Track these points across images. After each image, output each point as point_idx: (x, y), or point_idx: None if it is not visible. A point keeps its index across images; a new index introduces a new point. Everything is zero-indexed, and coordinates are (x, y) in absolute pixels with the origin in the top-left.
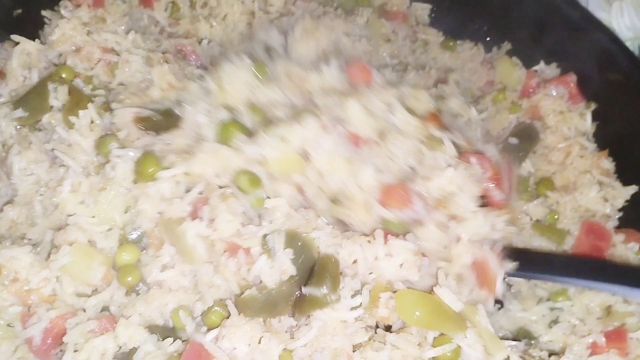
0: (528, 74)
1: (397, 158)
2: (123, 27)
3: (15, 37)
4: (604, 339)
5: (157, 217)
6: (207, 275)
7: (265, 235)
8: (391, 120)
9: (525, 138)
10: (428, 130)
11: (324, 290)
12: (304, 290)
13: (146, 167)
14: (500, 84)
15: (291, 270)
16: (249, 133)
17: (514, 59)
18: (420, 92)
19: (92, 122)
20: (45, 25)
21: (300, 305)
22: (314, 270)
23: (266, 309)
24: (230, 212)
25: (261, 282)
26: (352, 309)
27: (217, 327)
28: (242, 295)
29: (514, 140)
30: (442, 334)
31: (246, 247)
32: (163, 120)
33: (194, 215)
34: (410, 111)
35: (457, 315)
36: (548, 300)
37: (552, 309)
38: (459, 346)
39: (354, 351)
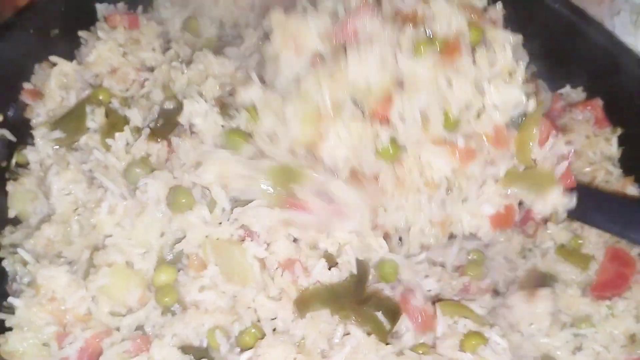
0: (554, 97)
1: None
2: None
3: (53, 58)
4: None
5: (201, 239)
6: (249, 295)
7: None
8: None
9: None
10: None
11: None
12: None
13: (179, 198)
14: None
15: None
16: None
17: (540, 81)
18: None
19: (127, 144)
20: (82, 46)
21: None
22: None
23: (331, 302)
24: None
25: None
26: None
27: (251, 348)
28: (304, 291)
29: None
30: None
31: (304, 262)
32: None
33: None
34: None
35: None
36: (572, 326)
37: (575, 335)
38: None
39: None
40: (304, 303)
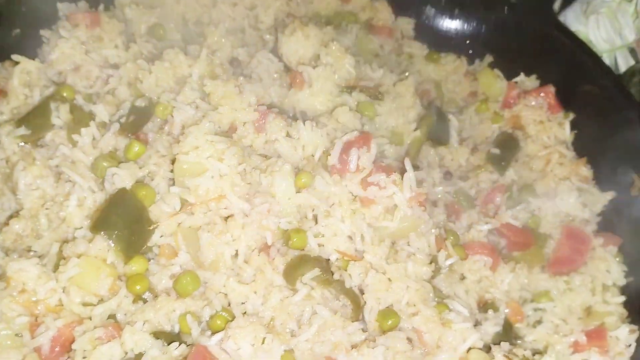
0: (509, 86)
1: None
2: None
3: (15, 57)
4: (585, 338)
5: (173, 228)
6: (219, 281)
7: None
8: None
9: (507, 148)
10: None
11: None
12: None
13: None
14: (483, 95)
15: None
16: None
17: (496, 70)
18: None
19: (94, 139)
20: (44, 44)
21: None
22: None
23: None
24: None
25: None
26: None
27: (222, 330)
28: (291, 259)
29: (496, 151)
30: None
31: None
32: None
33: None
34: None
35: None
36: (532, 301)
37: (535, 310)
38: None
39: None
40: (293, 268)
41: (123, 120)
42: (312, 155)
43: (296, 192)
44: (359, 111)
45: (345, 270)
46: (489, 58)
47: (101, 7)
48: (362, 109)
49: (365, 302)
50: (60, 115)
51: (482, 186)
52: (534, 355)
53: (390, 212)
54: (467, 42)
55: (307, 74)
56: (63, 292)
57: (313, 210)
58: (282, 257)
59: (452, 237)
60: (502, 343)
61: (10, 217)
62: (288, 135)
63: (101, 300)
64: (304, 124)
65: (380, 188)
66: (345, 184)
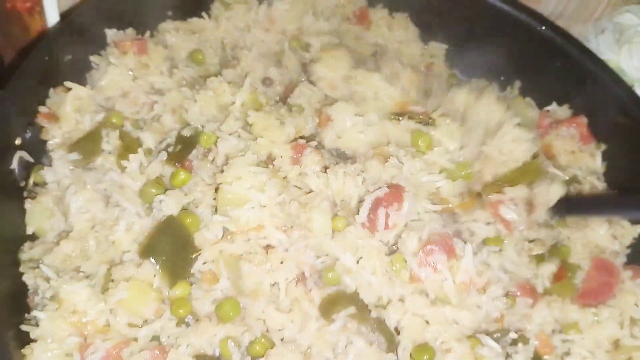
0: (541, 115)
1: None
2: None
3: (68, 84)
4: None
5: (215, 255)
6: (258, 308)
7: None
8: None
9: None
10: None
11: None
12: None
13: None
14: None
15: None
16: None
17: (528, 99)
18: None
19: (141, 165)
20: (93, 70)
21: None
22: None
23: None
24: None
25: None
26: None
27: (261, 356)
28: (327, 295)
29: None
30: None
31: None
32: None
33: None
34: None
35: None
36: (560, 332)
37: (564, 342)
38: None
39: None
40: (330, 304)
41: (171, 149)
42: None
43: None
44: (412, 142)
45: (384, 309)
46: (518, 84)
47: (147, 34)
48: (416, 137)
49: (399, 342)
50: (110, 141)
51: None
52: None
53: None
54: (500, 67)
55: (330, 112)
56: (111, 313)
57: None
58: (318, 289)
59: None
60: None
61: (60, 237)
62: (324, 170)
63: (145, 322)
64: (337, 165)
65: (435, 271)
66: (379, 238)
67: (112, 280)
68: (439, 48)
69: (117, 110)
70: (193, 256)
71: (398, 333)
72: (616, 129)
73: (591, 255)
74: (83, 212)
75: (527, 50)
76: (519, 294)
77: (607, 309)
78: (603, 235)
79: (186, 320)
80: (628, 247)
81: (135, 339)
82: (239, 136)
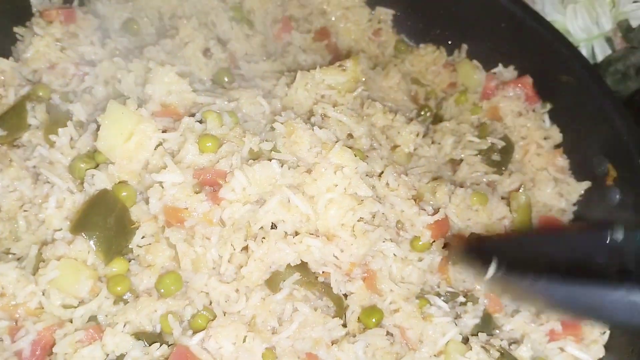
0: (487, 77)
1: None
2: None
3: None
4: (560, 327)
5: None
6: (201, 280)
7: None
8: None
9: (504, 153)
10: None
11: None
12: None
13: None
14: (462, 86)
15: None
16: None
17: (474, 61)
18: None
19: (71, 139)
20: (18, 42)
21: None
22: None
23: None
24: None
25: None
26: None
27: (203, 329)
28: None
29: (496, 157)
30: None
31: None
32: None
33: None
34: None
35: None
36: None
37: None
38: None
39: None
40: (275, 274)
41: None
42: None
43: None
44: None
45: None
46: (465, 47)
47: (76, 2)
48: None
49: (348, 306)
50: (36, 115)
51: None
52: (510, 344)
53: None
54: (446, 33)
55: None
56: (43, 295)
57: None
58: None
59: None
60: (479, 334)
61: None
62: None
63: (82, 302)
64: None
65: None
66: None
67: (43, 261)
68: (385, 13)
69: (44, 82)
70: (132, 227)
71: (346, 297)
72: (561, 88)
73: (539, 214)
74: (10, 191)
75: (472, 12)
76: None
77: None
78: (550, 193)
79: (125, 297)
80: (574, 204)
81: (71, 320)
82: None
